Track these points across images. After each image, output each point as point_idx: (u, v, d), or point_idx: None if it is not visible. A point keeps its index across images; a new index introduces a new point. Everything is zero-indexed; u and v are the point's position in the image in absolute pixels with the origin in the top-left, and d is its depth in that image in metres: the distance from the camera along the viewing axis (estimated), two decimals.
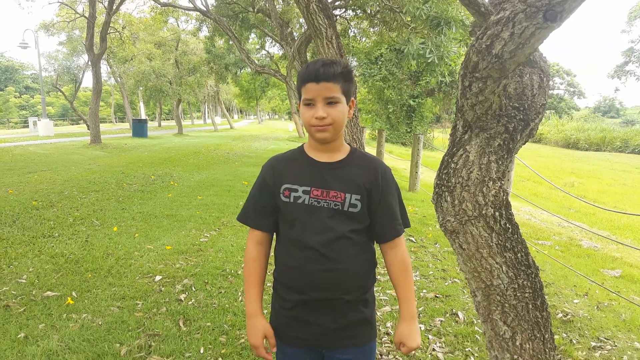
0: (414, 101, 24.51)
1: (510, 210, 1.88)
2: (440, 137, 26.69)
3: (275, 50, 25.56)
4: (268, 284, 1.67)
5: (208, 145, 18.45)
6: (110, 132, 26.02)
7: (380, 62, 23.20)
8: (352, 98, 1.36)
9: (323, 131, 1.29)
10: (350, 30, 18.93)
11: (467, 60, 1.63)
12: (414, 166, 7.92)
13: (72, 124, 46.42)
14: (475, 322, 2.94)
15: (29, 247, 4.18)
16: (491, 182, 1.84)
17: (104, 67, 28.37)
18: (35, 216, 5.33)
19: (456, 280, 3.76)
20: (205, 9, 10.69)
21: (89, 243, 4.32)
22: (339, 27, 17.43)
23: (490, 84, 1.62)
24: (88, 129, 20.87)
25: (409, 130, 24.39)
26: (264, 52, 22.92)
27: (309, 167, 1.37)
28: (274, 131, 36.12)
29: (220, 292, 3.30)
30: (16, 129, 39.05)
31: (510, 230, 1.85)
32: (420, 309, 3.13)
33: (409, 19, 8.12)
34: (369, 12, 9.82)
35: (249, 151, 16.08)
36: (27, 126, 31.29)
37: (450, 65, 9.62)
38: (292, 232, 1.34)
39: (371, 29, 14.24)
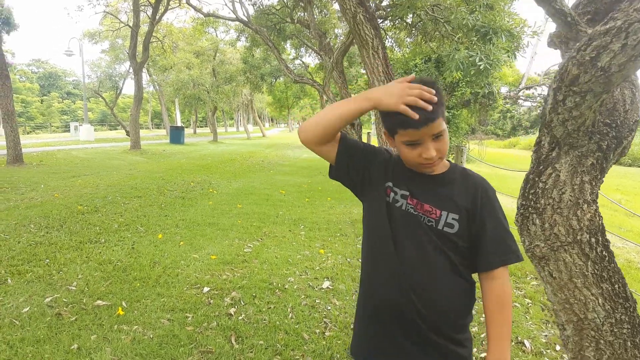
0: (448, 112, 24.10)
1: (606, 236, 1.72)
2: (476, 149, 26.13)
3: (309, 60, 25.70)
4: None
5: (243, 152, 18.62)
6: (147, 138, 26.66)
7: (414, 73, 22.95)
8: None
9: (431, 166, 1.20)
10: (386, 41, 18.76)
11: (563, 72, 1.50)
12: None
13: (111, 130, 47.93)
14: (544, 352, 2.73)
15: (77, 252, 4.21)
16: (586, 205, 1.70)
17: (143, 75, 29.20)
18: (81, 221, 5.41)
19: (516, 304, 3.54)
20: (246, 20, 10.81)
21: (135, 250, 4.33)
22: None
23: (590, 98, 1.49)
24: (127, 135, 21.43)
25: None
26: (298, 62, 23.08)
27: (408, 173, 1.26)
28: None
29: (269, 307, 3.20)
30: (57, 133, 40.58)
31: (607, 258, 1.70)
32: (482, 335, 2.94)
33: (451, 28, 7.95)
34: (409, 22, 9.69)
35: (283, 159, 16.11)
36: (69, 130, 32.48)
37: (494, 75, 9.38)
38: (382, 239, 1.23)
39: (407, 39, 14.11)
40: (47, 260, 3.91)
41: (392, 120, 1.17)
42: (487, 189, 1.27)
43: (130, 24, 15.95)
